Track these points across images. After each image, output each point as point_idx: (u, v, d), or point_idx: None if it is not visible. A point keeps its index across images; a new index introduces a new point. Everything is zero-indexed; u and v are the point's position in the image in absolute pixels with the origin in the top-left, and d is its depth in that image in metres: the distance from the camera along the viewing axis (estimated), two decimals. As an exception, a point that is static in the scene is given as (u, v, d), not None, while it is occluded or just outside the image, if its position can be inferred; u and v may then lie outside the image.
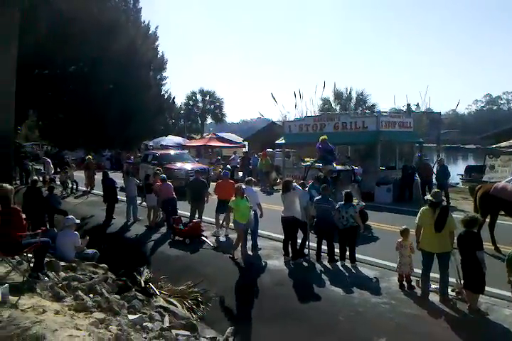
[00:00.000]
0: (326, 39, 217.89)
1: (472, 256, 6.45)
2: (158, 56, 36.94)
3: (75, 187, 19.79)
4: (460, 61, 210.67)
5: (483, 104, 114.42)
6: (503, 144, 19.66)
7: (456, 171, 24.36)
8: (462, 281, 6.85)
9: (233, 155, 26.42)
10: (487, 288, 6.59)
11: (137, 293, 7.72)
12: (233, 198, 9.53)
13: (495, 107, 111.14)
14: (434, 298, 7.03)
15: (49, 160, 22.72)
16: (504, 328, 6.07)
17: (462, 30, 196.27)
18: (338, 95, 33.13)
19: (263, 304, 7.75)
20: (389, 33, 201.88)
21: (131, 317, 6.44)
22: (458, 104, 61.32)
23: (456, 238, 6.76)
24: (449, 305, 6.83)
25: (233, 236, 11.18)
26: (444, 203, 14.08)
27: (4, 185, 6.95)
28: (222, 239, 11.33)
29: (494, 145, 20.23)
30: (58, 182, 19.99)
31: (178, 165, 18.62)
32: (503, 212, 9.96)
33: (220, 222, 11.44)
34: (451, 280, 7.08)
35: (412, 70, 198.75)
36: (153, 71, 36.51)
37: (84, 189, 19.78)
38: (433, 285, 7.22)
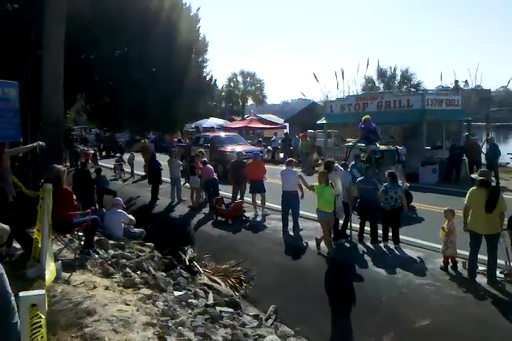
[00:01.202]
0: (369, 17, 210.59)
1: None
2: (200, 38, 36.92)
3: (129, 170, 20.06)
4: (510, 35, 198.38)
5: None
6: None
7: (507, 150, 23.22)
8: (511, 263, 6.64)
9: (274, 137, 26.34)
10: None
11: (182, 271, 7.98)
12: (316, 184, 8.59)
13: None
14: (482, 280, 6.84)
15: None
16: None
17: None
18: (381, 73, 32.14)
19: (304, 284, 7.81)
20: (435, 8, 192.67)
21: (176, 293, 6.67)
22: (510, 81, 56.66)
23: (507, 219, 6.50)
24: (497, 287, 6.63)
25: (273, 216, 11.29)
26: (494, 183, 13.64)
27: (56, 165, 7.23)
28: (259, 219, 11.45)
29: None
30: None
31: (231, 147, 18.53)
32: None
33: (258, 202, 11.61)
34: (500, 262, 6.87)
35: (459, 46, 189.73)
36: (194, 54, 36.59)
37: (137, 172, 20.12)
38: (481, 267, 7.03)
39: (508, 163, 20.53)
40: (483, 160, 15.92)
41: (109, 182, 14.29)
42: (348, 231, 9.41)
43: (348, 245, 9.10)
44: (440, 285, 6.94)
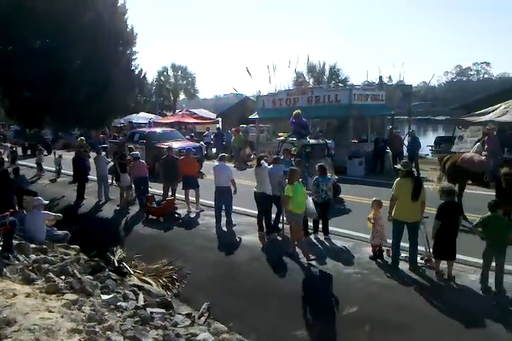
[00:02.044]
0: (299, 12, 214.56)
1: (453, 225, 6.63)
2: (128, 30, 35.75)
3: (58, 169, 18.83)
4: (431, 33, 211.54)
5: (453, 76, 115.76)
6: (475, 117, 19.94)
7: (427, 142, 24.77)
8: (431, 249, 7.05)
9: (207, 132, 26.14)
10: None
11: (111, 273, 7.68)
12: (288, 185, 7.99)
13: (465, 78, 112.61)
14: (404, 266, 7.22)
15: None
16: (470, 293, 6.30)
17: (434, 3, 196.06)
18: (311, 69, 32.89)
19: (238, 279, 7.83)
20: (361, 5, 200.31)
21: (104, 297, 6.41)
22: (432, 78, 61.89)
23: (436, 208, 6.86)
24: (418, 273, 7.03)
25: (206, 213, 11.21)
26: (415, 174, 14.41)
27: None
28: (193, 215, 11.32)
29: (463, 116, 20.53)
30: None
31: (169, 143, 17.82)
32: (470, 182, 10.20)
33: (192, 198, 11.52)
34: (420, 248, 7.28)
35: (383, 43, 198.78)
36: (122, 45, 35.38)
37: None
38: (403, 254, 7.41)
39: (428, 155, 21.87)
40: (405, 152, 16.79)
41: (28, 183, 13.40)
42: (280, 225, 9.54)
43: (280, 238, 9.23)
44: (367, 273, 7.23)
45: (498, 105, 17.34)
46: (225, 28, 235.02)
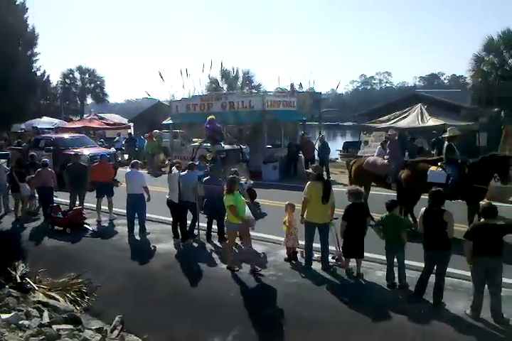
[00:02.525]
0: (212, 17, 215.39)
1: (360, 225, 6.95)
2: (28, 30, 33.49)
3: None
4: (338, 43, 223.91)
5: (358, 84, 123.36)
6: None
7: (336, 147, 26.02)
8: (341, 249, 7.38)
9: (117, 137, 25.21)
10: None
11: (11, 290, 7.09)
12: (227, 195, 7.57)
13: (369, 87, 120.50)
14: (317, 266, 7.48)
15: None
16: (377, 288, 6.69)
17: (340, 14, 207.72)
18: (225, 74, 33.13)
19: (153, 289, 7.59)
20: (274, 14, 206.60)
21: (4, 316, 5.89)
22: (338, 85, 66.82)
23: (344, 209, 7.17)
24: (330, 272, 7.33)
25: (118, 221, 10.77)
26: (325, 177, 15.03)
27: None
28: (105, 225, 10.83)
29: (367, 123, 21.87)
30: None
31: (79, 150, 16.68)
32: (374, 184, 10.88)
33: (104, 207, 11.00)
34: (331, 248, 7.59)
35: (295, 51, 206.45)
36: (22, 46, 33.05)
37: None
38: (316, 255, 7.67)
39: (337, 159, 22.98)
40: (317, 157, 17.49)
41: None
42: (195, 231, 9.43)
43: (196, 245, 9.12)
44: (282, 275, 7.38)
45: (398, 112, 18.82)
46: (136, 30, 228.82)
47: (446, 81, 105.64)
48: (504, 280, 5.74)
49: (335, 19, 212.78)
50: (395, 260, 6.67)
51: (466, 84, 24.07)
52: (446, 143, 9.59)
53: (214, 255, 8.53)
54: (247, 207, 7.87)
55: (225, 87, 31.86)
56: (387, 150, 11.38)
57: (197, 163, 11.10)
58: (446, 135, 9.96)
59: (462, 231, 5.92)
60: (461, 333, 5.41)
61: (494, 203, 6.18)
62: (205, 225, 9.37)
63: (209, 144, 14.55)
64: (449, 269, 6.15)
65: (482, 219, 5.75)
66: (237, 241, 8.23)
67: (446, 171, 9.05)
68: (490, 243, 5.54)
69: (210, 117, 15.09)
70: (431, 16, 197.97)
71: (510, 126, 13.26)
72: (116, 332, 6.57)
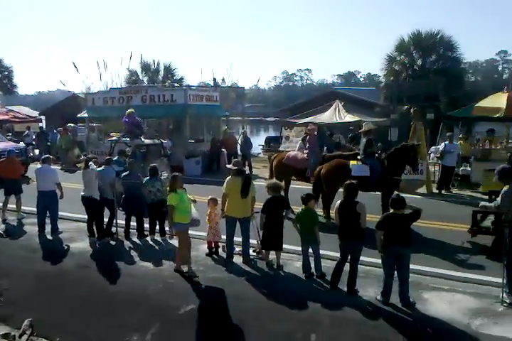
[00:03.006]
0: (132, 7, 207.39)
1: (278, 218, 7.07)
2: None
3: None
4: (262, 38, 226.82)
5: (281, 80, 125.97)
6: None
7: (259, 142, 26.33)
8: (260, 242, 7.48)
9: (27, 131, 23.55)
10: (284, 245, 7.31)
11: None
12: (170, 193, 7.19)
13: (291, 83, 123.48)
14: (238, 259, 7.51)
15: None
16: (296, 279, 6.87)
17: (261, 11, 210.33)
18: (145, 67, 32.16)
19: (66, 290, 7.21)
20: (194, 7, 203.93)
21: None
22: (258, 80, 68.64)
23: (263, 203, 7.23)
24: (251, 265, 7.40)
25: (28, 220, 10.08)
26: (248, 172, 15.17)
27: None
28: (14, 224, 10.13)
29: (289, 118, 22.37)
30: None
31: None
32: (294, 178, 11.14)
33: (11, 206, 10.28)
34: (252, 241, 7.66)
35: (217, 45, 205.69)
36: None
37: None
38: (237, 248, 7.71)
39: (260, 154, 23.26)
40: (239, 152, 17.58)
41: None
42: (113, 229, 9.07)
43: (113, 243, 8.78)
44: (203, 269, 7.33)
45: (318, 108, 19.45)
46: (48, 17, 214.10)
47: (362, 79, 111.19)
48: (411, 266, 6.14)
49: (257, 15, 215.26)
50: (311, 251, 6.90)
51: (380, 82, 25.42)
52: (364, 138, 10.04)
53: (133, 252, 8.28)
54: (193, 207, 7.41)
55: (145, 80, 30.93)
56: (307, 145, 11.70)
57: (115, 158, 10.70)
58: (363, 129, 10.46)
59: (374, 221, 6.22)
60: (372, 318, 5.71)
61: (402, 194, 6.59)
62: (124, 222, 9.05)
63: (128, 139, 14.05)
64: (361, 257, 6.46)
65: (391, 210, 6.10)
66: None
67: (368, 164, 9.50)
68: (399, 232, 5.89)
69: (129, 111, 14.58)
70: (348, 16, 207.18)
71: (419, 122, 14.19)
72: (25, 336, 6.17)
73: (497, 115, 11.99)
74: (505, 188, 6.17)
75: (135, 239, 8.89)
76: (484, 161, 12.73)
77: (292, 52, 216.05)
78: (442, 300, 6.06)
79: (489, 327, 5.39)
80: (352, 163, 9.69)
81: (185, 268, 7.19)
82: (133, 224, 9.04)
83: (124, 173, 9.27)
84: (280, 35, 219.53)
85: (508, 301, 5.88)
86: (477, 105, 12.84)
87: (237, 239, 7.55)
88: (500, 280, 6.01)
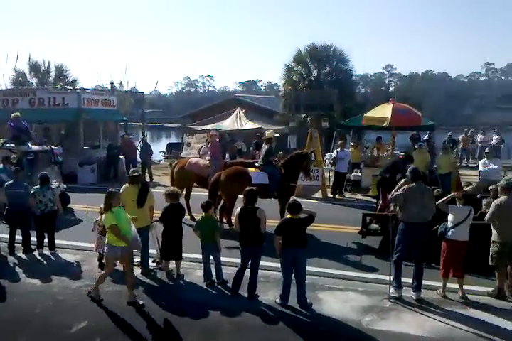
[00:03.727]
0: (18, 3, 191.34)
1: (177, 226, 6.94)
2: None
3: None
4: (159, 44, 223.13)
5: (183, 86, 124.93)
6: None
7: (160, 148, 25.80)
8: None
9: None
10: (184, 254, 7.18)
11: None
12: (106, 213, 6.21)
13: (193, 89, 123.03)
14: (138, 271, 7.20)
15: None
16: (197, 288, 6.78)
17: (163, 13, 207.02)
18: (34, 67, 29.81)
19: None
20: (89, 8, 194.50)
21: None
22: (157, 84, 67.28)
23: (162, 210, 7.03)
24: (151, 275, 7.16)
25: None
26: (148, 179, 14.75)
27: None
28: None
29: (190, 124, 22.19)
30: None
31: None
32: (196, 184, 11.05)
33: None
34: (152, 251, 7.41)
35: (114, 48, 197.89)
36: None
37: None
38: (135, 259, 7.39)
39: (161, 160, 22.77)
40: (139, 158, 17.01)
41: None
42: None
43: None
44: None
45: (219, 115, 19.56)
46: None
47: (263, 87, 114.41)
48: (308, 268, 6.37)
49: (155, 20, 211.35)
50: (212, 258, 6.86)
51: (280, 91, 26.28)
52: (266, 145, 10.26)
53: (18, 269, 7.57)
54: (132, 226, 6.44)
55: (34, 81, 28.69)
56: (208, 152, 11.70)
57: (0, 166, 9.78)
58: (264, 137, 10.70)
59: (274, 226, 6.35)
60: (272, 322, 5.81)
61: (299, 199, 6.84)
62: (7, 236, 8.26)
63: (13, 145, 12.89)
64: (261, 262, 6.56)
65: (288, 215, 6.29)
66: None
67: (267, 172, 9.71)
68: (295, 235, 6.09)
69: (14, 115, 13.40)
70: (250, 25, 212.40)
71: (315, 129, 14.93)
72: None
73: (383, 124, 13.01)
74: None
75: (21, 254, 8.14)
76: (373, 167, 13.76)
77: (194, 59, 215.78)
78: (336, 300, 6.37)
79: (377, 322, 5.77)
80: (251, 170, 9.86)
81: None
82: (18, 237, 8.27)
83: (9, 182, 8.49)
84: (182, 41, 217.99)
85: (396, 295, 6.36)
86: (366, 115, 13.83)
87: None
88: (387, 277, 6.48)
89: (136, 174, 7.49)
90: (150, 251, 7.35)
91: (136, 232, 6.43)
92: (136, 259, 7.35)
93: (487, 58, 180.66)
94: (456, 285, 6.49)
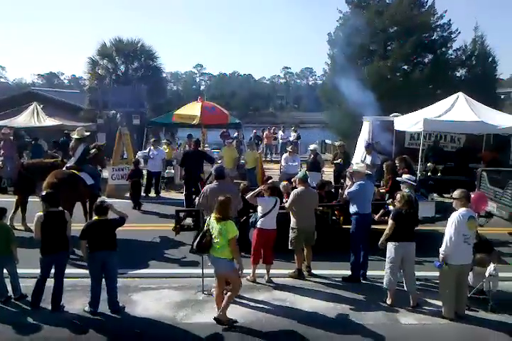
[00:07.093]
0: None
1: None
2: None
3: None
4: None
5: None
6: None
7: None
8: None
9: None
10: None
11: None
12: None
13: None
14: None
15: None
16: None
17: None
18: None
19: None
20: None
21: None
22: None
23: None
24: None
25: None
26: None
27: None
28: None
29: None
30: None
31: None
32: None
33: None
34: None
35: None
36: None
37: None
38: None
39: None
40: None
41: None
42: None
43: None
44: None
45: (12, 110, 17.38)
46: None
47: (66, 81, 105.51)
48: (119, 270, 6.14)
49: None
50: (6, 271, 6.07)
51: (85, 85, 24.66)
52: (80, 145, 9.38)
53: None
54: None
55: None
56: (1, 152, 10.31)
57: None
58: (75, 136, 9.70)
59: (79, 229, 5.90)
60: (81, 332, 5.44)
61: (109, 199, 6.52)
62: None
63: None
64: (68, 270, 6.08)
65: (95, 217, 5.95)
66: None
67: (87, 172, 9.09)
68: (104, 238, 5.78)
69: None
70: (45, 13, 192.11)
71: (125, 127, 14.43)
72: None
73: (193, 122, 13.32)
74: None
75: None
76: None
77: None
78: (150, 299, 6.29)
79: (193, 316, 5.88)
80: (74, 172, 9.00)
81: None
82: None
83: None
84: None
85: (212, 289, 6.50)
86: (176, 113, 13.96)
87: None
88: (200, 270, 6.61)
89: None
90: None
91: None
92: None
93: (285, 63, 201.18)
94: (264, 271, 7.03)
